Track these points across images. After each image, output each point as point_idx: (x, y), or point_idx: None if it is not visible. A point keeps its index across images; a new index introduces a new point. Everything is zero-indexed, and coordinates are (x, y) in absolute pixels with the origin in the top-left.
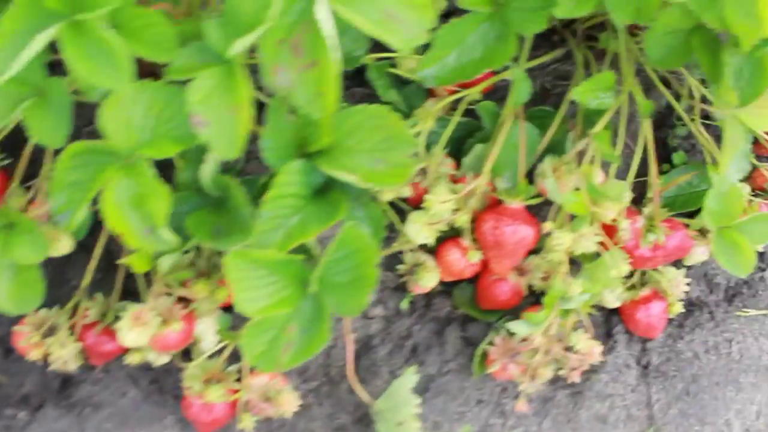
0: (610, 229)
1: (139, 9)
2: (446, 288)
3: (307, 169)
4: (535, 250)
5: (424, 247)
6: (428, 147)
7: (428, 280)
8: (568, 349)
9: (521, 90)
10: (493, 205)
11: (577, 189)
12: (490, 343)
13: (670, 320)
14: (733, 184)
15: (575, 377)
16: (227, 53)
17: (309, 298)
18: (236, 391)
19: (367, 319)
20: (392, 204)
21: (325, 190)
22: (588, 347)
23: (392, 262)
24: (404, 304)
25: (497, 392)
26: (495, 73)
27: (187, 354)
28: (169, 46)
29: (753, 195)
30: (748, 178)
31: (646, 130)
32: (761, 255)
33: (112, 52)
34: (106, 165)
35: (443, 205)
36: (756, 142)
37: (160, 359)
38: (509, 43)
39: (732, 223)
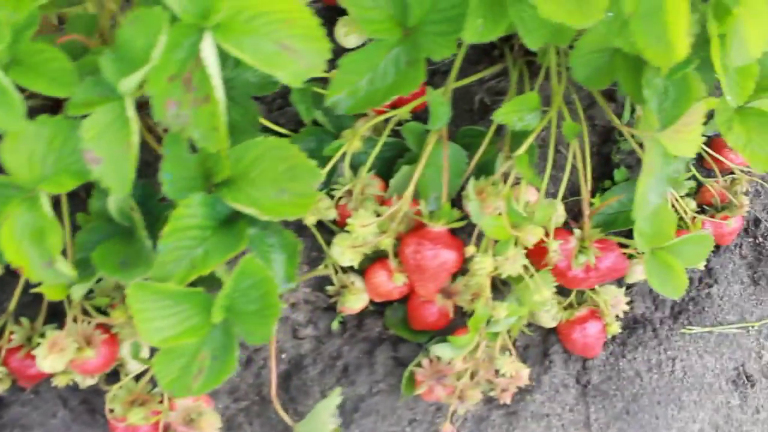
0: (541, 251)
1: (38, 45)
2: (378, 308)
3: (209, 201)
4: (463, 272)
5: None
6: (356, 168)
7: (354, 302)
8: (496, 371)
9: (438, 113)
10: (417, 228)
11: (500, 213)
12: (418, 365)
13: (613, 338)
14: (664, 204)
15: (506, 398)
16: (119, 89)
17: (218, 326)
18: (159, 413)
19: (298, 339)
20: (323, 225)
21: (233, 220)
22: (514, 370)
23: (323, 282)
24: (335, 325)
25: (431, 412)
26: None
27: (116, 375)
28: (68, 81)
29: (700, 210)
30: (695, 193)
31: (576, 151)
32: (709, 271)
33: (3, 93)
34: (9, 198)
35: (365, 229)
36: (710, 155)
37: (87, 381)
38: (419, 68)
39: (664, 244)
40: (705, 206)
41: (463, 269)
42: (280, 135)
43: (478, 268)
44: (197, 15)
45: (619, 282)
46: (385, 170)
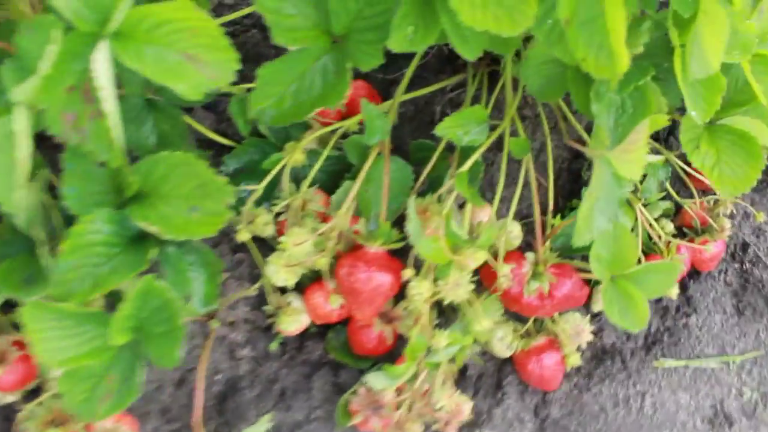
0: (492, 276)
1: None
2: (321, 330)
3: (116, 217)
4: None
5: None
6: (298, 182)
7: (290, 324)
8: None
9: (374, 127)
10: (355, 248)
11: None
12: (355, 393)
13: (578, 369)
14: (624, 228)
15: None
16: (10, 99)
17: (126, 347)
18: None
19: (235, 360)
20: (266, 242)
21: (145, 237)
22: (454, 404)
23: (264, 301)
24: (273, 346)
25: None
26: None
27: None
28: None
29: (680, 233)
30: (674, 215)
31: (529, 168)
32: (688, 299)
33: None
34: None
35: (299, 247)
36: (689, 175)
37: (4, 398)
38: (345, 78)
39: (624, 272)
40: (686, 228)
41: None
42: (222, 146)
43: (414, 293)
44: (94, 23)
45: (587, 309)
46: (331, 185)
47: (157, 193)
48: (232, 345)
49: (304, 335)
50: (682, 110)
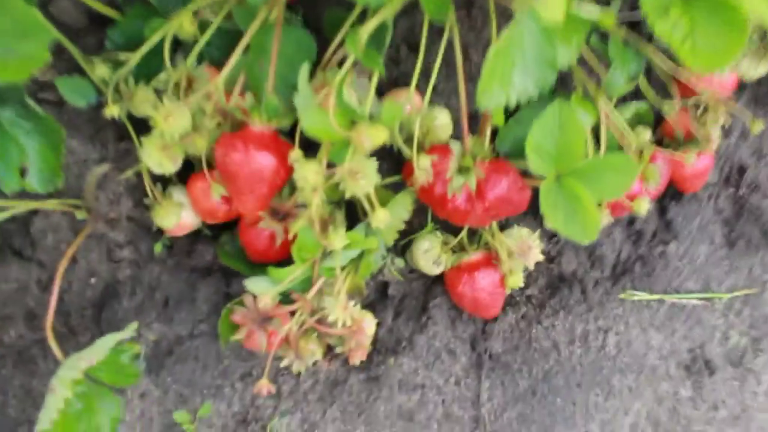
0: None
1: None
2: (217, 233)
3: None
4: None
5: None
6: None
7: (165, 218)
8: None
9: None
10: (242, 128)
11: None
12: (240, 303)
13: (529, 298)
14: (571, 113)
15: (355, 359)
16: None
17: None
18: None
19: (114, 263)
20: None
21: None
22: (349, 318)
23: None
24: (158, 248)
25: (273, 366)
26: None
27: None
28: None
29: (661, 144)
30: (655, 125)
31: (454, 34)
32: (667, 223)
33: None
34: None
35: (173, 126)
36: (679, 82)
37: None
38: None
39: (571, 168)
40: (668, 141)
41: None
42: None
43: (299, 177)
44: None
45: (541, 223)
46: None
47: None
48: (111, 245)
49: (195, 238)
50: None
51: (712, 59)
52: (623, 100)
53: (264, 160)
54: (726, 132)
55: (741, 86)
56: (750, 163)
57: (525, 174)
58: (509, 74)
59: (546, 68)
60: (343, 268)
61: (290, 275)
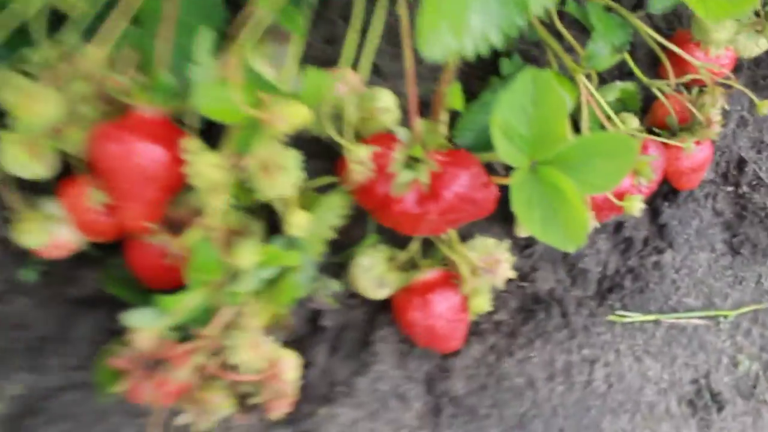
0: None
1: None
2: (105, 254)
3: None
4: None
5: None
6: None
7: (31, 236)
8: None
9: None
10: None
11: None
12: (123, 343)
13: (497, 325)
14: (551, 87)
15: (274, 411)
16: None
17: None
18: None
19: None
20: None
21: None
22: (261, 358)
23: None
24: (27, 275)
25: (165, 415)
26: None
27: None
28: None
29: (649, 131)
30: (644, 111)
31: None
32: (660, 229)
33: None
34: None
35: (36, 113)
36: (667, 50)
37: None
38: None
39: (551, 153)
40: (657, 129)
41: None
42: None
43: (193, 173)
44: None
45: (510, 235)
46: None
47: None
48: None
49: (79, 262)
50: None
51: (725, 7)
52: (605, 82)
53: (152, 153)
54: (723, 118)
55: (737, 70)
56: (750, 157)
57: (490, 169)
58: (464, 13)
59: (514, 9)
60: (258, 293)
61: (182, 303)
